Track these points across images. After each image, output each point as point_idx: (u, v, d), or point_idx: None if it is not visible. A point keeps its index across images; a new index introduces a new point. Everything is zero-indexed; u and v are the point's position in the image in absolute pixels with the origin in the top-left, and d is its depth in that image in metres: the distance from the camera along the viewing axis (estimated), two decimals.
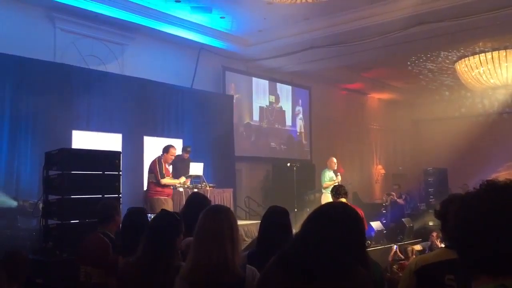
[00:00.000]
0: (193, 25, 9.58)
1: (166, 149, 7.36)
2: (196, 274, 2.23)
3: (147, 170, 7.54)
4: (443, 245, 2.57)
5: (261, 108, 11.87)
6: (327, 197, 8.32)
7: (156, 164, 7.23)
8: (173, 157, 7.47)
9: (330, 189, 8.46)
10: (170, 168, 7.70)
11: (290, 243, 1.98)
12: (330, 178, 9.13)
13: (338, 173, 9.20)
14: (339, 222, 1.86)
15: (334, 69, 12.35)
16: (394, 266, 6.58)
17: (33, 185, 6.92)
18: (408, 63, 11.98)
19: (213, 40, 10.13)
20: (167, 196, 7.25)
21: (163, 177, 7.22)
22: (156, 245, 2.63)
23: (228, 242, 2.26)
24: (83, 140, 7.64)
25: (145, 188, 8.49)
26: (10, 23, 7.65)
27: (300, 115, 12.99)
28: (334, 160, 9.36)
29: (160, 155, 7.37)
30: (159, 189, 7.19)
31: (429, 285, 2.11)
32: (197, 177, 8.12)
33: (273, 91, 12.23)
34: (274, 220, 3.12)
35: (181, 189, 7.59)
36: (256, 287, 2.05)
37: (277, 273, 1.85)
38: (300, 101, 12.91)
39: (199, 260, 2.25)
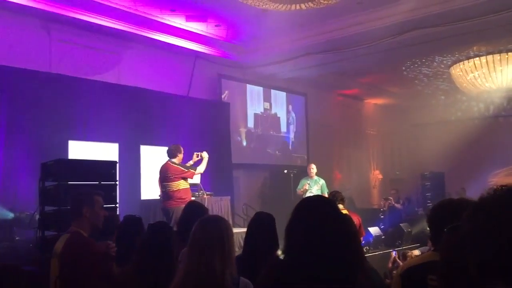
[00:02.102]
0: (188, 34, 9.60)
1: (179, 150, 6.95)
2: (185, 285, 2.22)
3: (161, 179, 6.90)
4: None
5: (256, 115, 11.87)
6: None
7: (178, 167, 6.75)
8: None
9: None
10: None
11: (281, 259, 1.99)
12: (302, 185, 8.97)
13: (311, 180, 8.91)
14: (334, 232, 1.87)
15: (330, 75, 12.39)
16: (394, 272, 6.55)
17: (30, 196, 6.87)
18: (403, 68, 12.03)
19: (209, 48, 10.16)
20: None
21: (194, 169, 6.85)
22: (149, 257, 2.63)
23: (217, 253, 2.23)
24: (80, 150, 7.63)
25: (143, 197, 8.48)
26: (5, 34, 7.66)
27: (291, 121, 12.92)
28: (312, 166, 9.11)
29: (169, 159, 6.91)
30: (185, 196, 6.70)
31: (412, 286, 2.13)
32: (195, 185, 8.10)
33: (267, 98, 12.22)
34: (259, 226, 3.16)
35: None
36: None
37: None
38: (290, 106, 12.83)
39: (189, 272, 2.23)
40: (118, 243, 3.28)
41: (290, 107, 12.84)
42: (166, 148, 7.13)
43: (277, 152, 12.19)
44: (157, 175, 7.06)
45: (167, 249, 2.68)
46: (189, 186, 6.88)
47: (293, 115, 12.92)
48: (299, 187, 9.02)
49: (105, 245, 3.16)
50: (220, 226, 2.34)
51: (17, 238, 6.39)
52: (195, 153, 7.25)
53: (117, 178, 4.99)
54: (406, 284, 2.15)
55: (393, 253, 7.37)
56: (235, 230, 6.95)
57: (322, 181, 8.92)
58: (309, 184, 8.76)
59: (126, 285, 2.64)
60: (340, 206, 5.89)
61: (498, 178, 14.81)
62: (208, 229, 2.31)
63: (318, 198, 2.11)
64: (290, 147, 12.74)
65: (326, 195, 8.47)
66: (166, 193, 6.73)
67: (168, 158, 6.93)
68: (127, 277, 2.66)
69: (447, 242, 1.36)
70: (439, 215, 2.17)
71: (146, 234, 2.76)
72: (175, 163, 6.77)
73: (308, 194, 8.46)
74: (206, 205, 5.71)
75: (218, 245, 2.26)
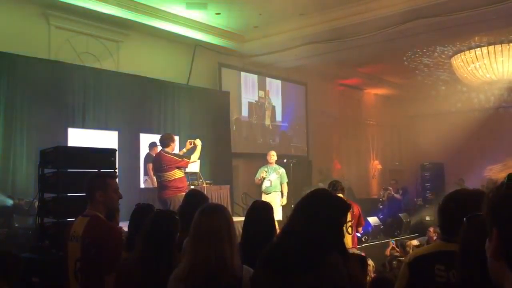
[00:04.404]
0: (188, 22, 9.54)
1: (171, 139, 6.82)
2: (193, 276, 2.20)
3: (155, 169, 6.84)
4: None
5: (250, 103, 11.79)
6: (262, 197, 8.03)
7: (172, 156, 6.62)
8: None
9: (261, 187, 8.40)
10: None
11: (272, 244, 2.05)
12: (258, 176, 8.44)
13: (270, 168, 8.40)
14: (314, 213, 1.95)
15: (330, 65, 12.34)
16: (394, 263, 6.60)
17: (29, 183, 6.90)
18: (404, 58, 11.98)
19: (209, 36, 10.10)
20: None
21: (188, 158, 6.74)
22: (153, 245, 2.61)
23: (226, 243, 2.22)
24: (79, 138, 7.62)
25: (142, 186, 8.48)
26: (4, 20, 7.61)
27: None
28: (272, 153, 8.57)
29: (162, 149, 6.79)
30: (181, 185, 6.62)
31: (420, 275, 2.14)
32: (194, 174, 8.10)
33: (262, 86, 12.12)
34: (257, 214, 3.17)
35: None
36: None
37: (265, 275, 1.91)
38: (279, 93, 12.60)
39: (196, 263, 2.20)
40: (129, 230, 3.30)
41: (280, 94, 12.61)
42: None
43: (271, 141, 12.10)
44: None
45: (171, 238, 2.67)
46: (184, 175, 6.80)
47: (292, 104, 12.81)
48: (256, 175, 8.50)
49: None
50: (226, 215, 2.33)
51: (16, 225, 6.40)
52: (188, 140, 7.18)
53: (117, 166, 4.97)
54: (414, 273, 2.16)
55: (392, 243, 7.41)
56: (235, 219, 6.96)
57: (282, 170, 8.49)
58: (266, 171, 8.33)
59: (128, 273, 2.63)
60: (340, 195, 5.89)
61: (493, 172, 14.87)
62: (215, 219, 2.28)
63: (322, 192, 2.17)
64: (287, 136, 12.69)
65: (285, 185, 8.42)
66: (162, 183, 6.64)
67: (161, 148, 6.82)
68: (130, 264, 2.65)
69: (467, 231, 1.35)
70: (451, 205, 2.17)
71: (152, 222, 2.74)
72: (168, 153, 6.64)
73: (266, 182, 8.31)
74: (205, 194, 5.71)
75: (227, 235, 2.25)
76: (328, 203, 2.09)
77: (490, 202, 1.07)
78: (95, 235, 2.98)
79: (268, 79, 12.21)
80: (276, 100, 12.47)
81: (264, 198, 7.93)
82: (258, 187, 8.71)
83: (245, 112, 11.62)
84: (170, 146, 6.72)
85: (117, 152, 5.04)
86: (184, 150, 7.11)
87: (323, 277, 1.87)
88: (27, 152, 7.16)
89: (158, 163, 6.70)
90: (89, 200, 3.15)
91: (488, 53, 10.95)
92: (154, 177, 7.15)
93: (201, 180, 7.96)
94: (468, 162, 14.33)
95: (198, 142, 6.94)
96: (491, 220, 1.05)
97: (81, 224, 3.07)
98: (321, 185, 9.19)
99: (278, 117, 12.51)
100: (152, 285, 2.49)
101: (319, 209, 2.04)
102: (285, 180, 8.45)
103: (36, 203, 5.03)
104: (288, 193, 8.42)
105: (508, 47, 10.73)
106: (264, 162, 8.58)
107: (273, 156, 8.49)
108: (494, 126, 14.51)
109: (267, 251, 2.05)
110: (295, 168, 10.03)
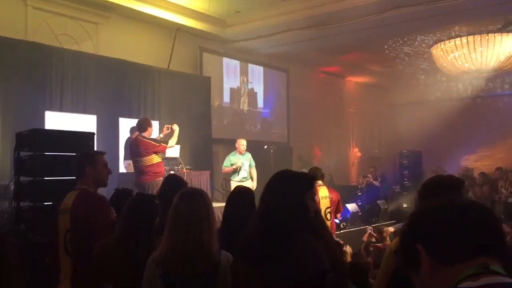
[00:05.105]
0: (169, 5, 9.41)
1: (148, 124, 6.75)
2: (171, 259, 2.19)
3: (132, 155, 6.74)
4: None
5: (232, 89, 11.73)
6: (232, 185, 7.84)
7: (149, 141, 6.55)
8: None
9: (234, 176, 8.27)
10: None
11: (246, 231, 2.07)
12: (231, 163, 8.29)
13: (247, 158, 8.32)
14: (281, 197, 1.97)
15: (312, 52, 12.34)
16: (370, 248, 6.69)
17: (4, 167, 6.77)
18: (385, 46, 12.04)
19: (190, 20, 9.98)
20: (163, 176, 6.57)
21: (166, 143, 6.68)
22: (132, 228, 2.60)
23: (205, 228, 2.22)
24: (57, 121, 7.49)
25: (123, 170, 8.38)
26: None
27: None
28: (242, 142, 8.44)
29: (138, 134, 6.71)
30: (159, 170, 6.58)
31: None
32: (174, 159, 8.05)
33: (244, 72, 12.05)
34: (238, 199, 3.19)
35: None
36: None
37: (242, 263, 1.92)
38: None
39: (174, 246, 2.20)
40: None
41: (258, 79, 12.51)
42: None
43: (252, 127, 12.09)
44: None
45: (151, 222, 2.66)
46: (161, 160, 6.76)
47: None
48: (226, 164, 8.34)
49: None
50: (205, 200, 2.33)
51: None
52: (165, 125, 7.14)
53: (95, 150, 4.91)
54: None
55: (369, 229, 7.51)
56: (215, 204, 6.96)
57: (249, 155, 8.44)
58: (240, 160, 8.25)
59: (107, 256, 2.62)
60: (320, 182, 5.93)
61: (469, 162, 15.18)
62: (194, 203, 2.27)
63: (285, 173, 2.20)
64: (269, 123, 12.68)
65: (254, 169, 8.43)
66: (139, 169, 6.57)
67: (138, 132, 6.74)
68: (109, 247, 2.63)
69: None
70: (430, 190, 2.21)
71: (131, 205, 2.72)
72: (145, 138, 6.57)
73: (243, 173, 8.25)
74: (185, 179, 5.69)
75: (205, 219, 2.24)
76: (291, 180, 2.10)
77: (409, 223, 1.17)
78: (84, 206, 3.09)
79: (250, 65, 12.15)
80: (258, 86, 12.44)
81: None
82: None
83: (226, 98, 11.57)
84: (147, 131, 6.67)
85: (95, 136, 4.98)
86: (161, 135, 7.06)
87: (298, 261, 1.88)
88: (3, 134, 7.01)
89: (135, 148, 6.63)
90: (78, 177, 3.27)
91: (468, 43, 11.06)
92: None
93: (181, 166, 7.92)
94: (446, 150, 14.60)
95: (176, 127, 6.90)
96: (413, 239, 1.11)
97: (71, 198, 3.17)
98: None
99: (260, 103, 12.49)
100: (130, 269, 2.48)
101: (284, 187, 2.06)
102: (254, 163, 8.46)
103: (12, 187, 4.95)
104: (258, 177, 8.42)
105: (487, 37, 10.85)
106: (247, 148, 8.51)
107: (243, 146, 8.40)
108: (472, 115, 14.77)
109: (242, 239, 2.06)
110: (276, 154, 10.04)
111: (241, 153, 8.39)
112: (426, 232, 1.11)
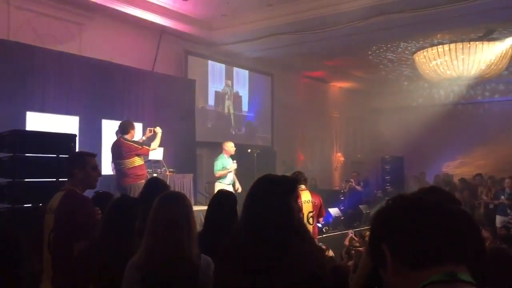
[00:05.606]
0: (154, 7, 9.37)
1: (131, 126, 6.73)
2: (150, 263, 2.18)
3: (114, 157, 6.69)
4: None
5: (217, 92, 11.72)
6: (220, 188, 7.66)
7: (131, 144, 6.52)
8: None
9: (224, 179, 8.10)
10: None
11: (231, 237, 2.06)
12: (223, 166, 8.09)
13: (234, 161, 8.18)
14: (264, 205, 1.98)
15: (297, 57, 12.40)
16: (352, 252, 6.73)
17: None
18: (369, 52, 12.16)
19: (176, 22, 9.95)
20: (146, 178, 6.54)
21: (148, 146, 6.64)
22: (113, 231, 2.58)
23: (185, 231, 2.21)
24: (38, 122, 7.39)
25: (105, 172, 8.27)
26: None
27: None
28: (231, 144, 8.33)
29: (121, 136, 6.67)
30: (141, 172, 6.55)
31: None
32: (157, 162, 8.01)
33: (229, 76, 12.05)
34: (220, 203, 3.20)
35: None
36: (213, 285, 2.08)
37: (228, 268, 1.92)
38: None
39: (154, 250, 2.19)
40: None
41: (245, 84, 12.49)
42: None
43: (237, 131, 12.08)
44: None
45: (131, 225, 2.65)
46: (143, 163, 6.73)
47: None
48: (218, 168, 8.08)
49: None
50: (185, 203, 2.32)
51: None
52: (148, 128, 7.11)
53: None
54: None
55: (350, 233, 7.56)
56: (197, 207, 6.94)
57: (234, 162, 8.26)
58: (232, 162, 8.12)
59: (87, 259, 2.59)
60: (303, 186, 5.96)
61: (450, 168, 15.41)
62: (174, 207, 2.27)
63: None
64: (253, 127, 12.69)
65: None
66: (121, 171, 6.54)
67: (120, 135, 6.69)
68: (89, 250, 2.61)
69: None
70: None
71: (112, 208, 2.71)
72: (127, 140, 6.55)
73: (231, 175, 8.09)
74: (168, 182, 5.67)
75: (186, 223, 2.24)
76: (275, 183, 2.11)
77: (375, 220, 1.13)
78: (68, 205, 3.11)
79: (235, 69, 12.16)
80: (243, 90, 12.45)
81: (229, 189, 7.86)
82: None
83: (211, 101, 11.55)
84: (130, 133, 6.64)
85: (77, 138, 4.94)
86: (144, 137, 7.03)
87: (292, 263, 1.88)
88: None
89: (117, 149, 6.59)
90: (68, 177, 3.31)
91: (450, 50, 11.25)
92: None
93: (164, 168, 7.89)
94: (427, 156, 14.79)
95: (158, 129, 6.88)
96: (378, 237, 1.08)
97: (57, 198, 3.19)
98: None
99: (245, 107, 12.50)
100: (110, 272, 2.46)
101: (269, 190, 2.06)
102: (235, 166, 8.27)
103: None
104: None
105: (468, 45, 11.05)
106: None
107: (233, 147, 8.27)
108: (453, 122, 14.99)
109: (228, 244, 2.05)
110: (259, 158, 10.07)
111: (230, 156, 8.22)
112: (391, 231, 1.05)
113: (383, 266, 1.05)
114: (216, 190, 7.14)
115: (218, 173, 8.08)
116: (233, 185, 8.18)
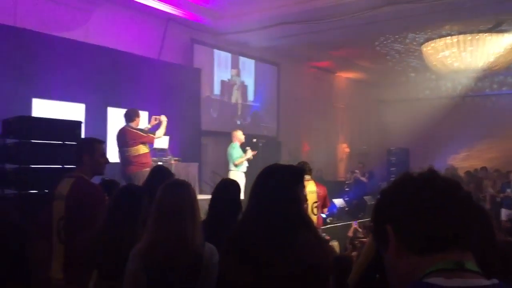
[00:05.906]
0: None
1: (136, 114, 6.77)
2: (153, 252, 2.18)
3: (119, 144, 6.68)
4: None
5: (222, 81, 11.68)
6: (237, 176, 7.73)
7: (137, 132, 6.56)
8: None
9: (241, 166, 8.34)
10: None
11: (237, 227, 2.05)
12: (241, 154, 8.28)
13: (247, 148, 8.37)
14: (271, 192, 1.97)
15: (304, 46, 12.33)
16: (356, 242, 6.75)
17: None
18: (376, 43, 12.07)
19: (182, 11, 9.91)
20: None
21: (153, 134, 6.69)
22: (118, 219, 2.58)
23: (188, 220, 2.20)
24: (44, 108, 7.41)
25: (111, 160, 8.31)
26: None
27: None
28: (242, 133, 8.53)
29: (127, 124, 6.69)
30: (146, 160, 6.57)
31: None
32: (162, 150, 8.02)
33: (235, 65, 12.01)
34: (223, 192, 3.20)
35: None
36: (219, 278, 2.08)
37: (233, 263, 1.91)
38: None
39: (158, 238, 2.18)
40: None
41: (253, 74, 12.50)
42: None
43: (242, 120, 12.06)
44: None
45: (136, 214, 2.65)
46: (148, 151, 6.75)
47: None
48: (237, 155, 8.27)
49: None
50: (189, 192, 2.31)
51: None
52: (153, 116, 7.12)
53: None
54: None
55: (354, 224, 7.56)
56: (202, 196, 6.95)
57: (248, 149, 8.54)
58: (248, 150, 8.34)
59: (92, 245, 2.60)
60: (308, 176, 5.95)
61: (456, 161, 15.33)
62: (178, 195, 2.26)
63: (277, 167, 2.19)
64: (259, 116, 12.67)
65: None
66: (126, 159, 6.56)
67: (126, 123, 6.72)
68: (94, 237, 2.61)
69: None
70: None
71: (118, 195, 2.71)
72: (132, 128, 6.59)
73: (245, 163, 8.31)
74: (173, 171, 5.67)
75: (189, 211, 2.23)
76: (282, 173, 2.10)
77: (381, 200, 1.08)
78: (79, 194, 3.11)
79: (241, 58, 12.12)
80: (249, 80, 12.41)
81: (243, 177, 8.04)
82: (226, 165, 8.65)
83: (217, 90, 11.53)
84: (135, 121, 6.67)
85: (83, 125, 4.94)
86: (149, 125, 7.04)
87: (292, 257, 1.88)
88: None
89: (122, 137, 6.61)
90: (76, 163, 3.30)
91: (458, 42, 11.13)
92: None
93: (169, 157, 7.90)
94: (433, 149, 14.72)
95: (164, 118, 6.90)
96: (383, 218, 1.05)
97: (67, 185, 3.18)
98: None
99: (250, 97, 12.47)
100: (115, 260, 2.47)
101: (276, 180, 2.05)
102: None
103: None
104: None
105: (477, 37, 10.93)
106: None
107: (243, 136, 8.47)
108: (460, 114, 14.89)
109: (232, 236, 2.04)
110: (264, 148, 10.06)
111: (242, 144, 8.41)
112: (396, 212, 1.01)
113: (386, 248, 1.02)
114: (232, 178, 7.28)
115: (238, 160, 8.25)
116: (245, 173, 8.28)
